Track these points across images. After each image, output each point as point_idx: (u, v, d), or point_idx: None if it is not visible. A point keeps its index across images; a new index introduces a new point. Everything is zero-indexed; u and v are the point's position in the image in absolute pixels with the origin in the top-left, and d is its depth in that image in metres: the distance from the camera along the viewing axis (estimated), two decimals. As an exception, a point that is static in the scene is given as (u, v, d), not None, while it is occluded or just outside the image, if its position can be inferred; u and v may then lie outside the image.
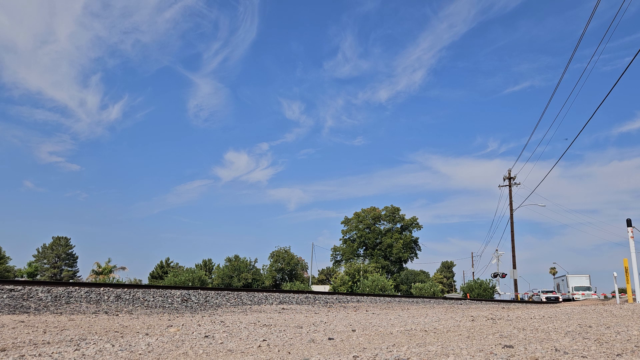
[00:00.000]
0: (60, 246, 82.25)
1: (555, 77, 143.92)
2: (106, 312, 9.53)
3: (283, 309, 12.67)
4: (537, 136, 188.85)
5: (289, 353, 4.33)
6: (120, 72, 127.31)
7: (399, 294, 55.66)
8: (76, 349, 4.52)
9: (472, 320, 7.63)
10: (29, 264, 66.06)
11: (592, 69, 67.26)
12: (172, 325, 6.97)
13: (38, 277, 69.04)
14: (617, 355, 3.69)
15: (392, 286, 41.18)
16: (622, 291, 25.77)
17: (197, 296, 13.73)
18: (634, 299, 17.37)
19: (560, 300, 42.52)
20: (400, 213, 74.23)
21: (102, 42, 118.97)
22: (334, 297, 18.30)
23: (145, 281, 62.45)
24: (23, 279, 30.68)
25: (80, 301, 10.79)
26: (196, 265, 60.86)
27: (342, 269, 62.49)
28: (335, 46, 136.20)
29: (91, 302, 10.83)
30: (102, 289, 12.41)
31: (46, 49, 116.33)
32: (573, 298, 45.67)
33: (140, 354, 4.35)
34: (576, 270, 56.89)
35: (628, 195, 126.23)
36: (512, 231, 42.62)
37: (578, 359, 3.56)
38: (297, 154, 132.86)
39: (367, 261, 69.26)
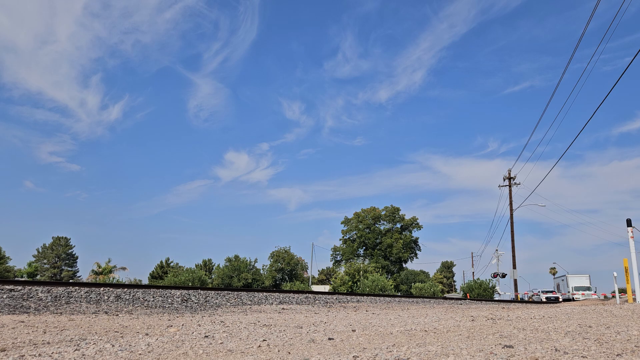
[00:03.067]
0: (60, 246, 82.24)
1: (555, 77, 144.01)
2: (106, 312, 9.52)
3: (283, 309, 12.66)
4: (537, 136, 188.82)
5: (289, 353, 4.33)
6: (120, 73, 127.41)
7: (399, 294, 55.65)
8: (76, 349, 4.52)
9: (472, 320, 7.63)
10: (29, 264, 66.05)
11: (592, 69, 67.28)
12: (172, 325, 6.97)
13: (38, 277, 69.03)
14: (617, 355, 3.69)
15: (392, 286, 41.17)
16: (622, 291, 25.76)
17: (197, 296, 13.73)
18: (634, 299, 17.37)
19: (560, 300, 42.51)
20: (400, 213, 74.26)
21: (102, 42, 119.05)
22: (334, 297, 18.29)
23: (145, 281, 62.43)
24: (23, 279, 30.65)
25: (80, 301, 10.79)
26: (196, 265, 60.84)
27: (342, 269, 62.47)
28: (336, 46, 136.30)
29: (91, 302, 10.83)
30: (102, 289, 12.41)
31: (46, 49, 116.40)
32: (573, 298, 45.66)
33: (140, 354, 4.35)
34: (576, 270, 56.93)
35: (628, 195, 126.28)
36: (512, 231, 42.64)
37: (578, 359, 3.56)
38: (297, 154, 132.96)
39: (367, 261, 69.22)
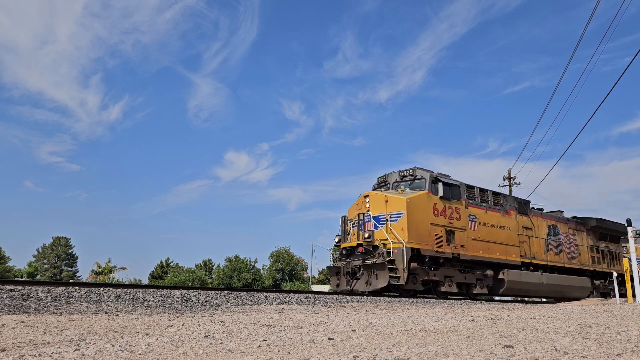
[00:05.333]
0: (60, 246, 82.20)
1: (555, 77, 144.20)
2: (106, 312, 9.52)
3: (283, 309, 12.65)
4: (537, 136, 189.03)
5: (289, 353, 4.33)
6: (120, 73, 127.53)
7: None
8: (76, 349, 4.52)
9: (472, 320, 7.63)
10: (29, 264, 66.09)
11: (592, 69, 67.31)
12: (172, 325, 6.96)
13: (38, 277, 69.03)
14: (617, 355, 3.69)
15: (392, 286, 41.01)
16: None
17: (197, 296, 13.72)
18: (634, 299, 17.37)
19: (560, 300, 42.45)
20: (400, 213, 74.06)
21: (102, 42, 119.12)
22: (334, 297, 18.28)
23: (145, 281, 62.33)
24: (23, 279, 30.65)
25: (80, 301, 10.78)
26: (196, 265, 60.73)
27: (342, 269, 62.24)
28: (336, 46, 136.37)
29: (91, 302, 10.83)
30: (102, 289, 12.40)
31: (46, 49, 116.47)
32: (573, 298, 45.59)
33: (140, 354, 4.34)
34: (576, 270, 56.63)
35: (628, 195, 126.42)
36: (512, 231, 42.51)
37: (578, 359, 3.56)
38: (297, 154, 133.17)
39: (367, 261, 69.00)
